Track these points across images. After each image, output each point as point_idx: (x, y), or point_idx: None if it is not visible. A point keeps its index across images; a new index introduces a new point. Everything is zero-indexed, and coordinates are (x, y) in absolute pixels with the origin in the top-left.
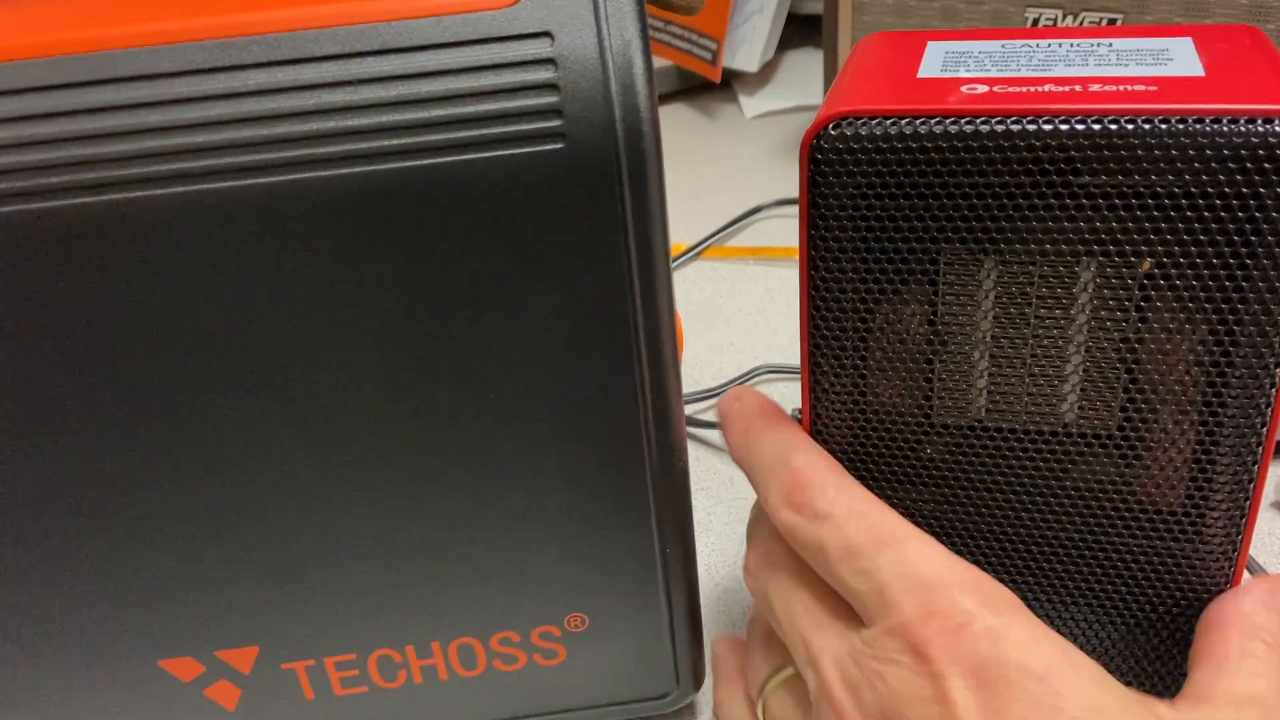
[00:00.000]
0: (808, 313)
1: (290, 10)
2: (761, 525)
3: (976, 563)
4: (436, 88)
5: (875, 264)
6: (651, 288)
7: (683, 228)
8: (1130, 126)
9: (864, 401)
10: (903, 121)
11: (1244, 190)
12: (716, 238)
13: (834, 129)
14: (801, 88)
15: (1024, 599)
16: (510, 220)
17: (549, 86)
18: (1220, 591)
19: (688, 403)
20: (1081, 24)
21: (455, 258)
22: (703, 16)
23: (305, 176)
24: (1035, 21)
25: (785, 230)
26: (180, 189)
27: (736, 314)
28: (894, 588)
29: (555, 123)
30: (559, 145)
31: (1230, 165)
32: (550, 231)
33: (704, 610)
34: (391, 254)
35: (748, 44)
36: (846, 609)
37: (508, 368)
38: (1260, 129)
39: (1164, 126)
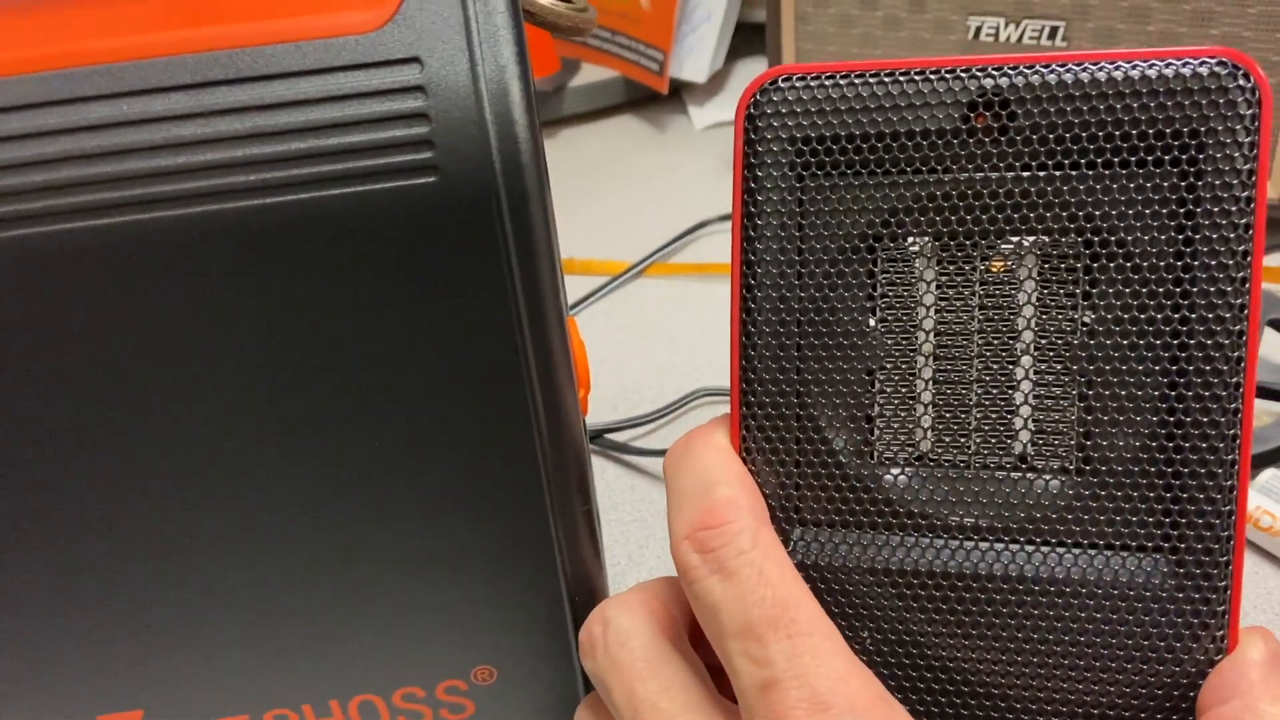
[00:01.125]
0: (740, 301)
1: (137, 37)
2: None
3: (923, 617)
4: (297, 119)
5: (814, 231)
6: (541, 322)
7: (626, 245)
8: (1064, 71)
9: (801, 423)
10: (840, 76)
11: (1181, 130)
12: (659, 255)
13: (771, 85)
14: None
15: (978, 666)
16: (383, 257)
17: (418, 116)
18: (1214, 641)
19: (624, 429)
20: (1024, 32)
21: (327, 298)
22: (648, 27)
23: (153, 216)
24: (977, 30)
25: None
26: (16, 232)
27: (678, 334)
28: (783, 688)
29: (426, 154)
30: (431, 178)
31: (1165, 104)
32: (427, 267)
33: None
34: (256, 294)
35: (696, 54)
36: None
37: (389, 409)
38: (1197, 69)
39: (1098, 70)
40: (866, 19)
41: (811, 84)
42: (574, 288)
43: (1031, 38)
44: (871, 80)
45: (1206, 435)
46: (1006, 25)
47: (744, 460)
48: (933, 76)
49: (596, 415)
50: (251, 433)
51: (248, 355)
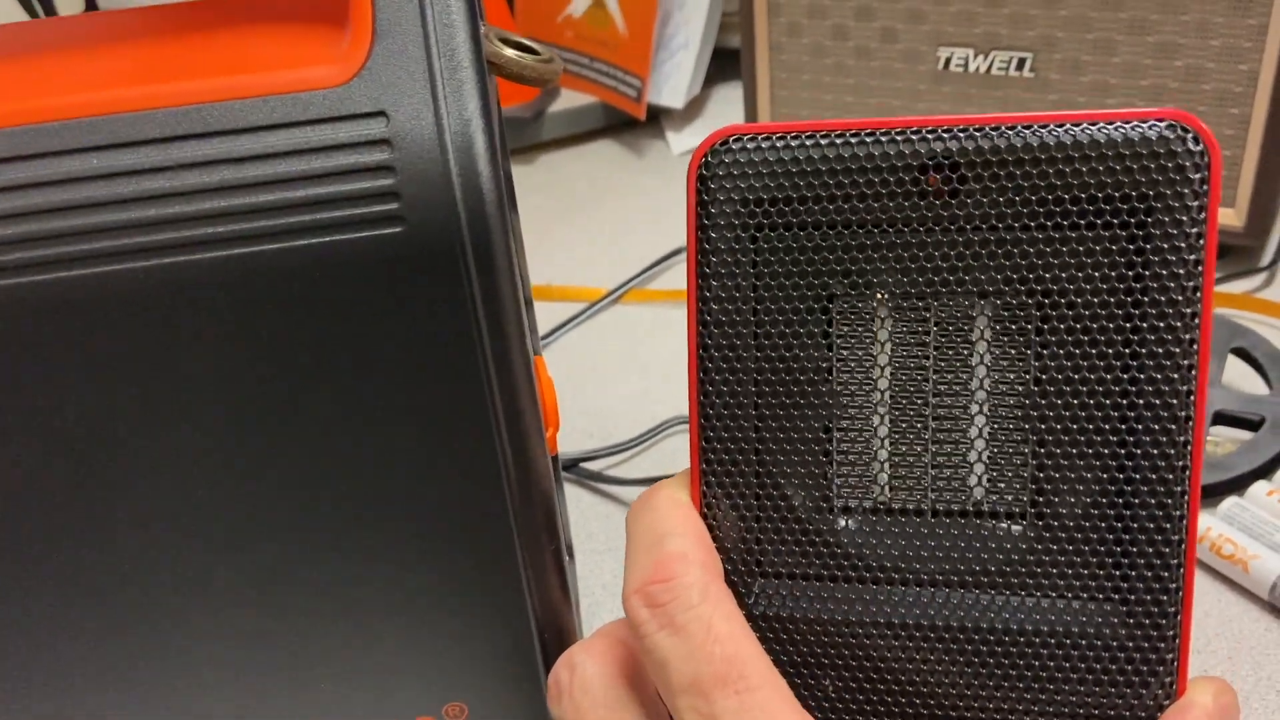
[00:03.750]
0: (696, 358)
1: (106, 92)
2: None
3: (881, 666)
4: (264, 172)
5: (766, 297)
6: (507, 366)
7: (603, 271)
8: (1013, 134)
9: (759, 475)
10: (791, 138)
11: (1129, 193)
12: (637, 281)
13: (722, 145)
14: (729, 123)
15: (935, 713)
16: (350, 306)
17: (384, 168)
18: (1163, 688)
19: (599, 458)
20: (992, 63)
21: (295, 345)
22: (626, 53)
23: (123, 268)
24: (947, 61)
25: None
26: None
27: (654, 361)
28: None
29: (392, 205)
30: (397, 229)
31: (1114, 168)
32: (393, 317)
33: None
34: (224, 342)
35: (673, 80)
36: None
37: (356, 452)
38: (1145, 131)
39: (1046, 132)
40: (838, 49)
41: (763, 145)
42: (550, 314)
43: (1000, 68)
44: (823, 142)
45: (1155, 492)
46: (976, 56)
47: (704, 514)
48: (884, 139)
49: (571, 444)
50: (222, 473)
51: (218, 400)
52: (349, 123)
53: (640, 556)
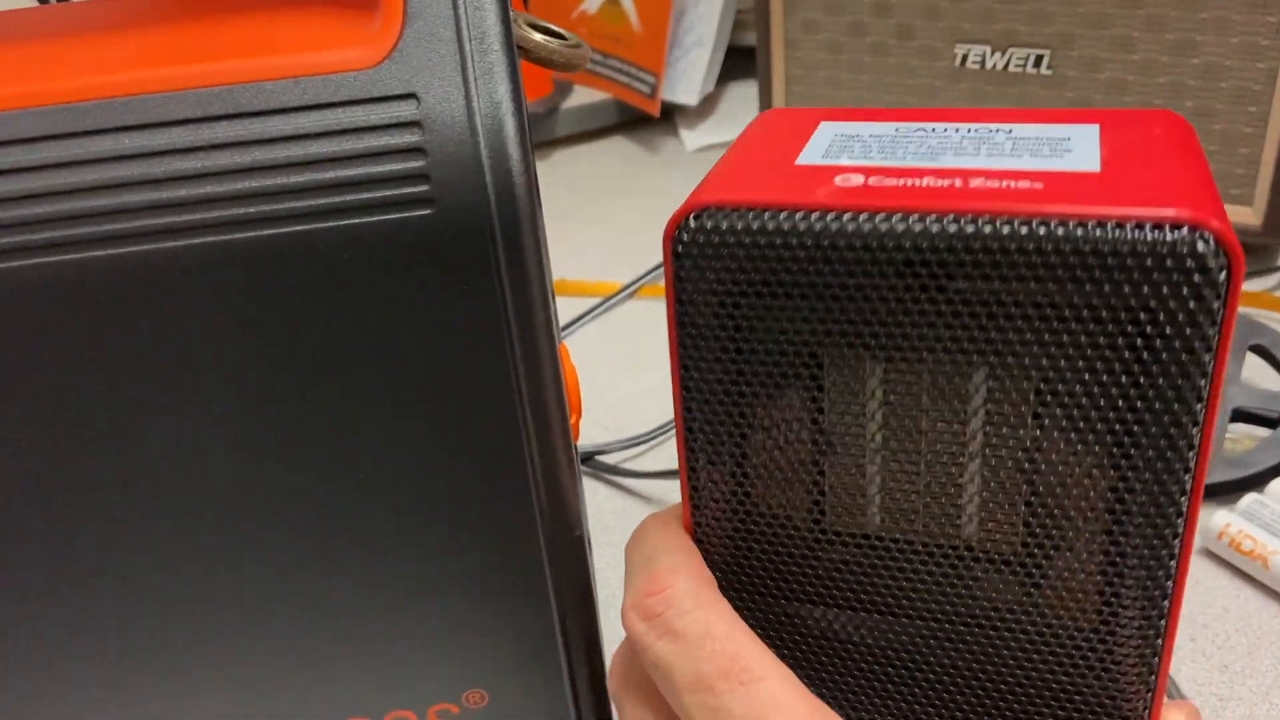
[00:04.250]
0: (681, 412)
1: (138, 73)
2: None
3: (868, 685)
4: (295, 153)
5: (749, 365)
6: (533, 349)
7: (618, 266)
8: (1005, 230)
9: (747, 507)
10: (765, 215)
11: (1131, 303)
12: (650, 276)
13: (694, 220)
14: (743, 120)
15: None
16: (379, 288)
17: (415, 150)
18: None
19: (615, 451)
20: (1009, 60)
21: (322, 326)
22: (640, 50)
23: (153, 248)
24: (964, 58)
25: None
26: (20, 263)
27: (668, 356)
28: None
29: (422, 188)
30: (427, 211)
31: (1115, 275)
32: (421, 299)
33: None
34: (254, 323)
35: (687, 77)
36: None
37: (381, 434)
38: (1147, 235)
39: (1041, 230)
40: (855, 45)
41: (737, 224)
42: (565, 309)
43: (1017, 65)
44: (800, 224)
45: (1147, 565)
46: (993, 53)
47: (697, 540)
48: (865, 225)
49: (587, 437)
50: (245, 456)
51: (245, 381)
52: (380, 105)
53: (634, 576)
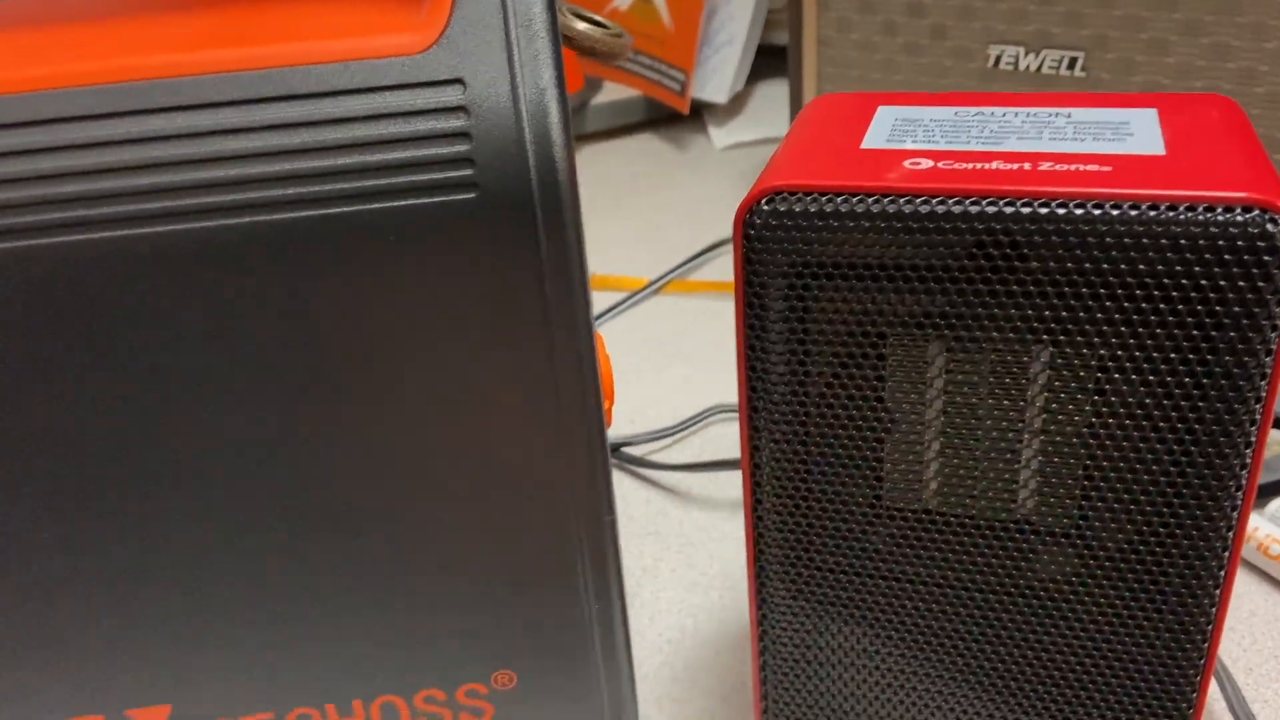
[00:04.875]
0: (746, 391)
1: (191, 54)
2: None
3: (923, 660)
4: (343, 135)
5: (815, 346)
6: (571, 332)
7: (646, 262)
8: (1079, 212)
9: (808, 485)
10: (839, 199)
11: (1202, 283)
12: (678, 272)
13: (767, 204)
14: (772, 119)
15: (973, 702)
16: (422, 270)
17: (460, 135)
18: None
19: (641, 443)
20: (1043, 62)
21: (365, 307)
22: (671, 47)
23: (200, 226)
24: (997, 59)
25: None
26: (66, 238)
27: (696, 351)
28: None
29: (467, 171)
30: (471, 194)
31: (1186, 256)
32: (463, 282)
33: (645, 662)
34: (294, 304)
35: (718, 75)
36: None
37: (421, 420)
38: (1219, 217)
39: (1115, 212)
40: (888, 45)
41: (810, 207)
42: (594, 302)
43: (1051, 67)
44: (873, 207)
45: (1206, 537)
46: (1026, 54)
47: (756, 519)
48: (939, 208)
49: (613, 429)
50: (283, 433)
51: (287, 358)
52: (427, 89)
53: None
